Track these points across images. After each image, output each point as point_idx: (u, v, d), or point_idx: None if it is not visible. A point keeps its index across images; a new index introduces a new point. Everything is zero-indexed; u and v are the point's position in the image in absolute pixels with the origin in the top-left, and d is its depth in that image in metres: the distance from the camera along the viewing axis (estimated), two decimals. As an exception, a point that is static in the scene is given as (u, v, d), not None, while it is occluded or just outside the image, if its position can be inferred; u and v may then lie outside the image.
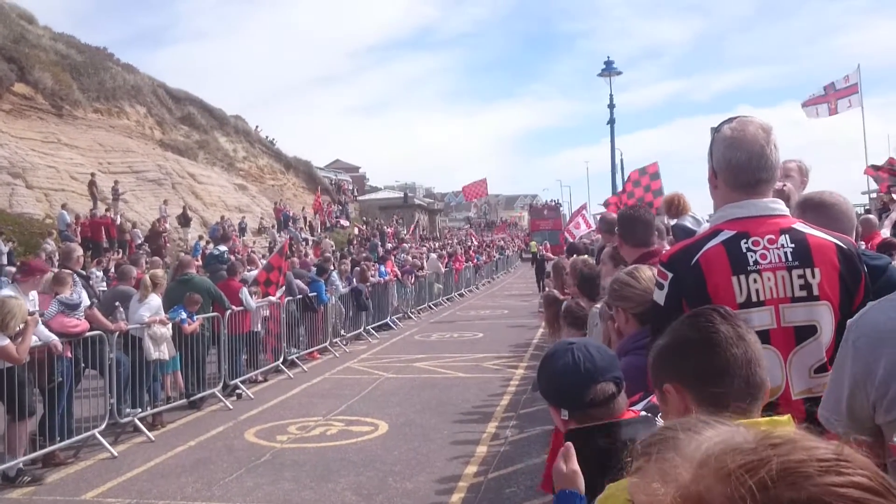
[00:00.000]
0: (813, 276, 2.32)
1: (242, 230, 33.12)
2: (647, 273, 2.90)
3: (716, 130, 2.53)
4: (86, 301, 8.61)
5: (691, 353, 1.68)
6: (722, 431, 0.86)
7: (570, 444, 1.94)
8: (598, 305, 4.76)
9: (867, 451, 0.77)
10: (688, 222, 6.60)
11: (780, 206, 2.45)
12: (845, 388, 1.72)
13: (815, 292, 2.31)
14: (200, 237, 28.65)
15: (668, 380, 1.70)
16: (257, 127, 52.37)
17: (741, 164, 2.42)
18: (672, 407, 1.68)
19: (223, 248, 21.73)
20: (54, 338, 7.77)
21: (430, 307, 25.02)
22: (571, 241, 14.26)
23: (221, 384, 10.99)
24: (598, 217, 11.40)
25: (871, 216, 8.78)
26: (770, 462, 0.74)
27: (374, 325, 18.67)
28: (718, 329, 1.67)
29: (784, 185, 3.71)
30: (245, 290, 12.23)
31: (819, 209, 3.01)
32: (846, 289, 2.34)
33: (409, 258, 26.31)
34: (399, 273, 22.31)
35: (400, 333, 18.99)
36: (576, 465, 1.88)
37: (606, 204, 16.79)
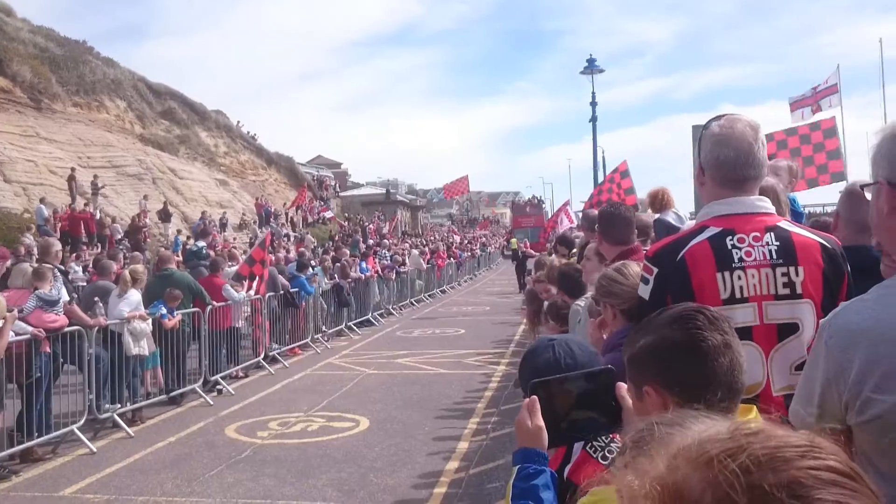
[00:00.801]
0: (797, 275, 2.33)
1: (223, 225, 32.95)
2: (635, 269, 2.90)
3: (704, 128, 2.55)
4: (65, 296, 8.53)
5: (676, 359, 1.64)
6: (707, 425, 0.87)
7: (535, 397, 1.83)
8: (580, 302, 4.78)
9: (835, 440, 0.81)
10: (670, 217, 6.67)
11: (766, 204, 2.47)
12: (817, 387, 1.72)
13: (799, 290, 2.33)
14: (179, 231, 28.48)
15: (649, 382, 1.68)
16: (239, 122, 52.18)
17: (729, 160, 2.43)
18: (651, 408, 1.65)
19: (202, 243, 21.61)
20: (34, 330, 7.70)
21: (412, 303, 25.00)
22: (562, 233, 14.23)
23: (202, 380, 10.93)
24: (581, 214, 11.42)
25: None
26: (749, 448, 0.77)
27: (355, 322, 18.63)
28: (706, 337, 1.63)
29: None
30: (228, 286, 12.19)
31: (847, 196, 3.10)
32: (829, 288, 2.36)
33: (388, 254, 26.27)
34: (380, 269, 22.26)
35: (382, 329, 18.97)
36: (541, 421, 1.80)
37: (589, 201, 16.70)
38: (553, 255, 8.28)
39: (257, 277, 13.04)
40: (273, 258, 16.01)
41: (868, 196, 1.78)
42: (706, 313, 1.68)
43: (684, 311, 1.71)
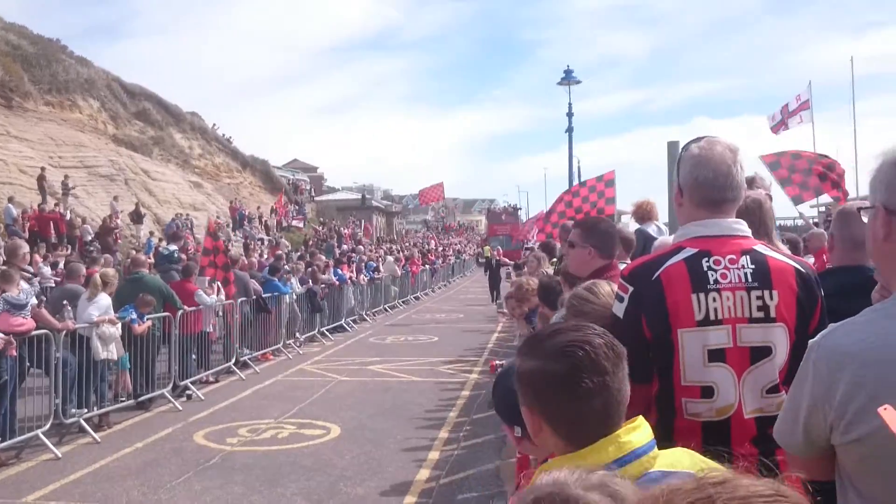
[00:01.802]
0: (771, 298, 2.35)
1: (190, 227, 32.52)
2: (606, 288, 2.90)
3: (683, 149, 2.57)
4: (32, 300, 8.40)
5: (549, 392, 1.61)
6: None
7: None
8: (560, 313, 4.76)
9: (798, 489, 0.83)
10: (651, 230, 6.76)
11: (743, 227, 2.49)
12: (803, 407, 1.73)
13: (772, 314, 2.34)
14: (152, 233, 28.18)
15: (525, 403, 1.68)
16: (214, 124, 51.78)
17: (708, 182, 2.45)
18: (528, 425, 1.69)
19: (173, 247, 21.36)
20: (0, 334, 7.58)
21: (385, 310, 24.92)
22: (543, 242, 14.26)
23: (171, 384, 10.80)
24: (560, 225, 11.46)
25: (820, 230, 8.94)
26: (719, 498, 0.78)
27: (328, 327, 18.55)
28: (582, 379, 1.57)
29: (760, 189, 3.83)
30: (200, 291, 12.07)
31: (840, 215, 3.19)
32: (802, 312, 2.37)
33: (364, 258, 26.17)
34: (354, 273, 22.12)
35: (355, 336, 18.89)
36: None
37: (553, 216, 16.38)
38: (528, 270, 8.27)
39: (217, 268, 12.90)
40: (222, 243, 15.75)
41: (865, 219, 1.78)
42: (587, 349, 1.60)
43: (568, 344, 1.62)
